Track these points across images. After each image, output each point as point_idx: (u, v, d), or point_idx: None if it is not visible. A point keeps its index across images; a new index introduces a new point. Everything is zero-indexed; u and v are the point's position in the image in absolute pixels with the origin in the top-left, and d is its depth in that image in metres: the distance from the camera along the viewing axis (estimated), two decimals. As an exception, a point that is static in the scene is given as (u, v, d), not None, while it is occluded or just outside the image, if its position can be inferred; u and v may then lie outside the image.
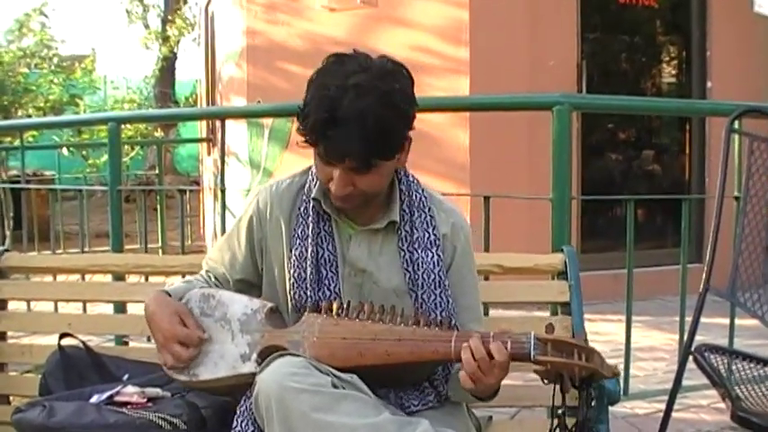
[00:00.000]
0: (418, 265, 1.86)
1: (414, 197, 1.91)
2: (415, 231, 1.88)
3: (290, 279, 1.89)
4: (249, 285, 1.99)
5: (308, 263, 1.87)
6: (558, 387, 1.72)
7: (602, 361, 1.69)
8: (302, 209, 1.91)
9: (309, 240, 1.88)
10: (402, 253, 1.88)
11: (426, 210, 1.91)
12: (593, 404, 1.81)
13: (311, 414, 1.58)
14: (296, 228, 1.90)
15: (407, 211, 1.89)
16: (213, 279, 2.04)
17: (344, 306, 1.79)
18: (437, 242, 1.89)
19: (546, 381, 1.72)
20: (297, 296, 1.87)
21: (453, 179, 5.56)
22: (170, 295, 1.94)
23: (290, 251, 1.89)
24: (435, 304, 1.84)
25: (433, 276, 1.86)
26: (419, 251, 1.87)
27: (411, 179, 1.94)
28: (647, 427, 3.15)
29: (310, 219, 1.89)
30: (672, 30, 7.03)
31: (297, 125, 1.79)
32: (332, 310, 1.79)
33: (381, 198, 1.89)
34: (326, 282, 1.88)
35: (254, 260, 1.99)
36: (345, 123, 1.69)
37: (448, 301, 1.86)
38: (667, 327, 4.48)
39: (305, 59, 6.13)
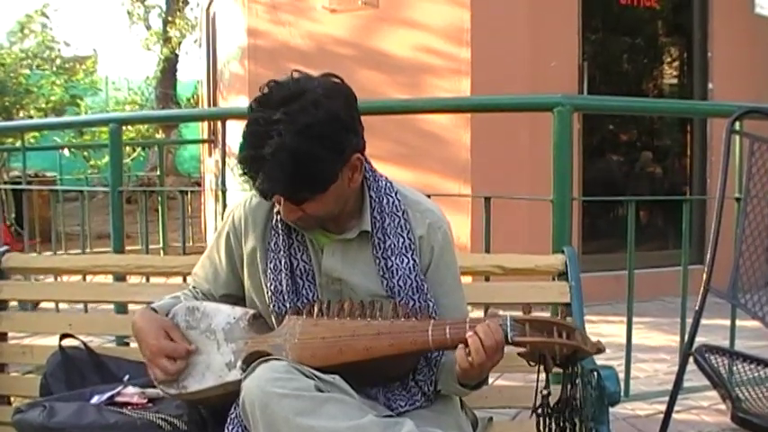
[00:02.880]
0: (393, 272, 1.86)
1: (385, 203, 1.89)
2: (387, 238, 1.87)
3: (267, 292, 1.90)
4: (235, 299, 2.01)
5: (283, 275, 1.87)
6: (541, 367, 1.73)
7: (583, 337, 1.68)
8: (275, 222, 1.91)
9: (282, 253, 1.88)
10: (377, 260, 1.87)
11: (400, 214, 1.89)
12: (576, 382, 1.81)
13: (294, 419, 1.59)
14: (269, 241, 1.91)
15: (379, 218, 1.88)
16: (201, 294, 2.05)
17: (324, 306, 1.80)
18: (412, 246, 1.88)
19: (530, 362, 1.72)
20: (276, 308, 1.88)
21: (455, 179, 5.56)
22: (156, 311, 1.95)
23: (266, 264, 1.91)
24: (415, 310, 1.83)
25: (410, 282, 1.86)
26: (393, 258, 1.86)
27: (382, 184, 1.91)
28: (648, 428, 3.15)
29: (282, 231, 1.89)
30: (673, 31, 7.02)
31: None
32: (312, 311, 1.80)
33: (351, 207, 1.87)
34: (304, 292, 1.88)
35: (236, 275, 2.00)
36: (265, 162, 1.68)
37: (428, 306, 1.86)
38: (668, 328, 4.47)
39: (307, 60, 6.14)
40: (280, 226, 1.89)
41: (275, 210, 1.89)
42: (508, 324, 1.67)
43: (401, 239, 1.87)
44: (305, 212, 1.78)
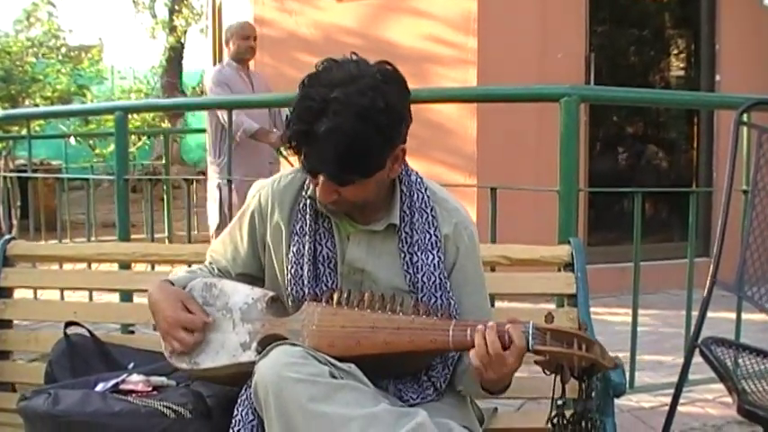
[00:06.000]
0: (418, 267, 1.85)
1: (415, 197, 1.88)
2: (415, 233, 1.86)
3: (287, 275, 1.89)
4: (252, 279, 1.99)
5: (306, 260, 1.86)
6: (558, 377, 1.72)
7: (602, 351, 1.68)
8: (302, 205, 1.90)
9: (307, 237, 1.87)
10: (402, 255, 1.86)
11: (428, 210, 1.89)
12: (592, 395, 1.80)
13: (307, 404, 1.58)
14: (295, 224, 1.90)
15: (408, 212, 1.87)
16: (216, 270, 2.04)
17: (345, 295, 1.79)
18: (438, 244, 1.87)
19: (546, 371, 1.72)
20: (295, 292, 1.87)
21: (461, 170, 5.55)
22: (173, 284, 1.95)
23: (289, 248, 1.89)
24: (436, 307, 1.82)
25: (433, 279, 1.85)
26: (419, 254, 1.85)
27: (413, 178, 1.91)
28: (653, 420, 3.15)
29: (309, 216, 1.88)
30: (681, 22, 6.99)
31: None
32: (332, 300, 1.79)
33: (381, 199, 1.86)
34: (324, 279, 1.87)
35: (256, 255, 1.99)
36: (319, 140, 1.67)
37: (449, 303, 1.85)
38: (674, 320, 4.45)
39: (314, 49, 6.12)
40: (307, 210, 1.88)
41: (303, 193, 1.88)
42: (530, 332, 1.66)
43: (428, 236, 1.86)
44: (341, 195, 1.76)
